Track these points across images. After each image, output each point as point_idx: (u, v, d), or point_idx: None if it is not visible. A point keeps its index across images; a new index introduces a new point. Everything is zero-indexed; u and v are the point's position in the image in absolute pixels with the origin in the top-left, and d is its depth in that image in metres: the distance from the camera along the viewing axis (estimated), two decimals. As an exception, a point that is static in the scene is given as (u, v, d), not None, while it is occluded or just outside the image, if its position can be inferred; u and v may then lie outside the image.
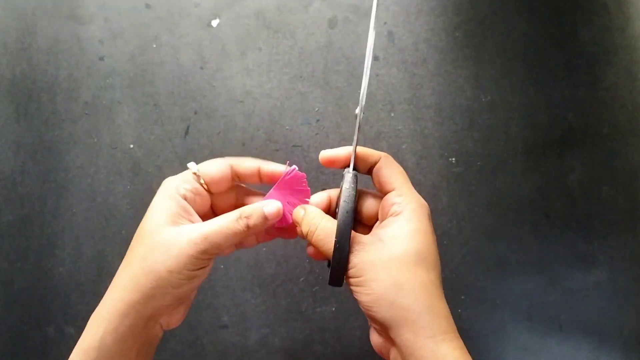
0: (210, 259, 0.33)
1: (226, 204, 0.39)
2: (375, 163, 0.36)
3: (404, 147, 0.56)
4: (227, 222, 0.33)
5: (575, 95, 0.57)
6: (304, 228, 0.35)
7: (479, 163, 0.56)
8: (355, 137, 0.35)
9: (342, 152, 0.36)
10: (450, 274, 0.54)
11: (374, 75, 0.57)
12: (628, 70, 0.57)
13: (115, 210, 0.55)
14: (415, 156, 0.55)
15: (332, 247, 0.32)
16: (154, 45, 0.57)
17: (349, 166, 0.36)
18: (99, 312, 0.33)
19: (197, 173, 0.36)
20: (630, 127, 0.56)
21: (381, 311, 0.31)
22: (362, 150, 0.36)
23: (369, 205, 0.38)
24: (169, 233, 0.32)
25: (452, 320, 0.32)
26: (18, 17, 0.57)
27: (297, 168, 0.38)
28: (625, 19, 0.58)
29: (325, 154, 0.37)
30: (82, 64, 0.57)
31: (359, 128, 0.36)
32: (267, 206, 0.35)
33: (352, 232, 0.33)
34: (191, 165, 0.36)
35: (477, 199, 0.55)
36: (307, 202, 0.38)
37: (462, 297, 0.53)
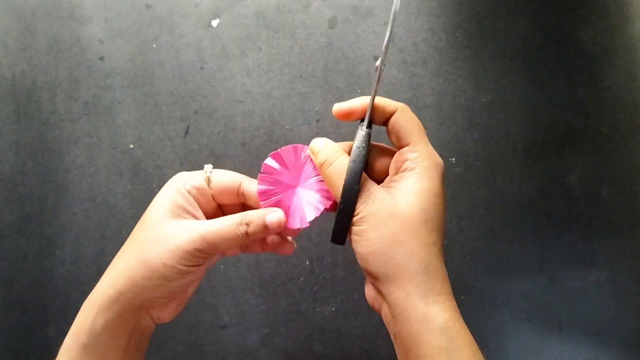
0: (206, 258, 0.33)
1: (234, 206, 0.38)
2: (392, 114, 0.34)
3: (404, 147, 0.56)
4: (227, 226, 0.33)
5: (575, 95, 0.57)
6: (320, 157, 0.34)
7: (479, 163, 0.56)
8: (374, 89, 0.33)
9: (358, 103, 0.34)
10: (450, 274, 0.53)
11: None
12: (628, 70, 0.57)
13: (115, 210, 0.55)
14: (415, 156, 0.55)
15: (342, 187, 0.31)
16: (154, 45, 0.57)
17: (364, 120, 0.33)
18: (91, 296, 0.33)
19: (209, 177, 0.35)
20: (630, 127, 0.56)
21: (376, 266, 0.31)
22: (378, 100, 0.34)
23: (381, 161, 0.36)
24: (169, 226, 0.32)
25: (448, 283, 0.32)
26: (18, 17, 0.57)
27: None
28: (625, 19, 0.58)
29: (339, 107, 0.34)
30: (82, 64, 0.57)
31: (378, 80, 0.33)
32: (269, 215, 0.34)
33: (362, 177, 0.32)
34: (207, 166, 0.36)
35: (477, 199, 0.55)
36: (329, 205, 0.35)
37: (462, 297, 0.53)
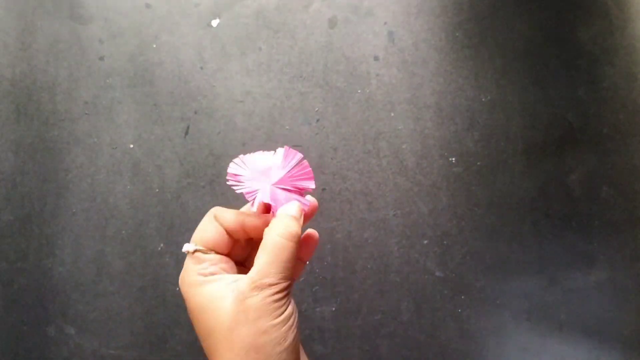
0: (286, 293, 0.30)
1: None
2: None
3: (404, 147, 0.56)
4: (280, 252, 0.30)
5: (575, 95, 0.57)
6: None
7: (479, 163, 0.56)
8: None
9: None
10: (450, 274, 0.54)
11: (374, 75, 0.57)
12: (628, 70, 0.57)
13: (115, 210, 0.55)
14: (415, 156, 0.55)
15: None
16: (154, 45, 0.57)
17: None
18: None
19: (198, 249, 0.32)
20: (630, 127, 0.56)
21: None
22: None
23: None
24: (240, 305, 0.29)
25: None
26: (18, 17, 0.57)
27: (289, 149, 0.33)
28: (625, 19, 0.58)
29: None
30: (82, 64, 0.57)
31: None
32: (290, 211, 0.32)
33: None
34: (186, 246, 0.32)
35: (477, 199, 0.55)
36: (309, 188, 0.34)
37: (462, 297, 0.53)
